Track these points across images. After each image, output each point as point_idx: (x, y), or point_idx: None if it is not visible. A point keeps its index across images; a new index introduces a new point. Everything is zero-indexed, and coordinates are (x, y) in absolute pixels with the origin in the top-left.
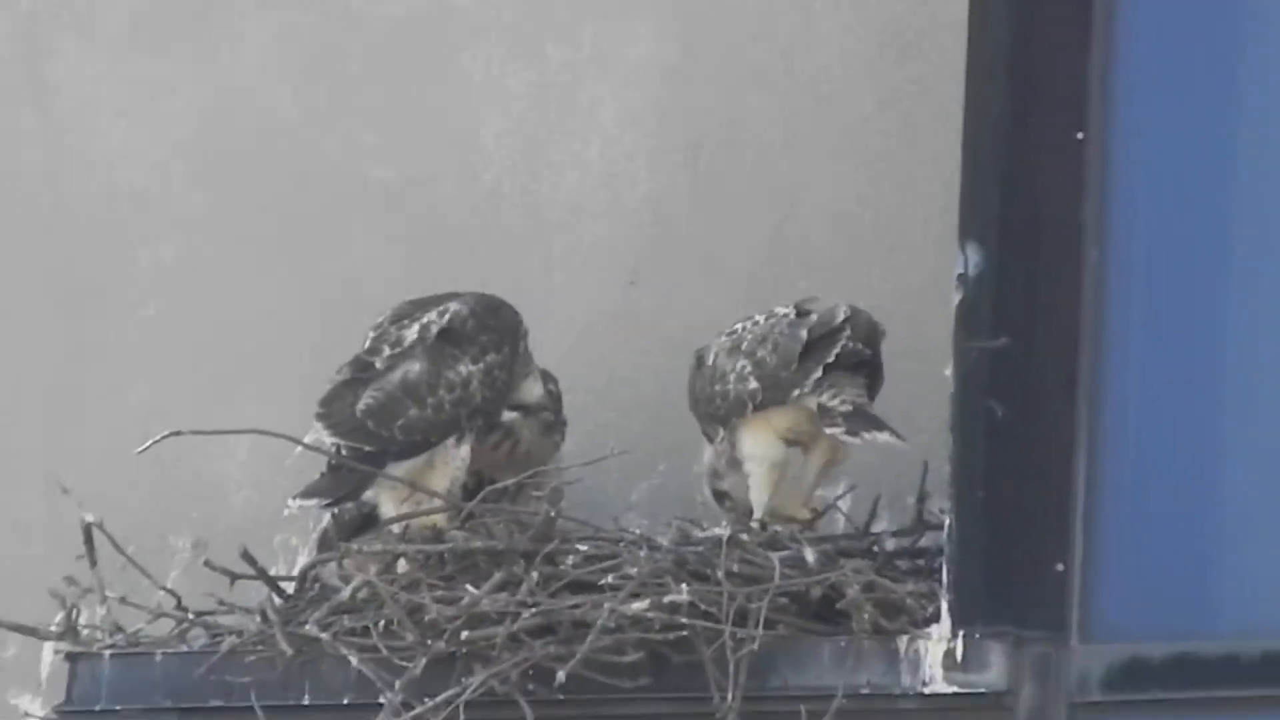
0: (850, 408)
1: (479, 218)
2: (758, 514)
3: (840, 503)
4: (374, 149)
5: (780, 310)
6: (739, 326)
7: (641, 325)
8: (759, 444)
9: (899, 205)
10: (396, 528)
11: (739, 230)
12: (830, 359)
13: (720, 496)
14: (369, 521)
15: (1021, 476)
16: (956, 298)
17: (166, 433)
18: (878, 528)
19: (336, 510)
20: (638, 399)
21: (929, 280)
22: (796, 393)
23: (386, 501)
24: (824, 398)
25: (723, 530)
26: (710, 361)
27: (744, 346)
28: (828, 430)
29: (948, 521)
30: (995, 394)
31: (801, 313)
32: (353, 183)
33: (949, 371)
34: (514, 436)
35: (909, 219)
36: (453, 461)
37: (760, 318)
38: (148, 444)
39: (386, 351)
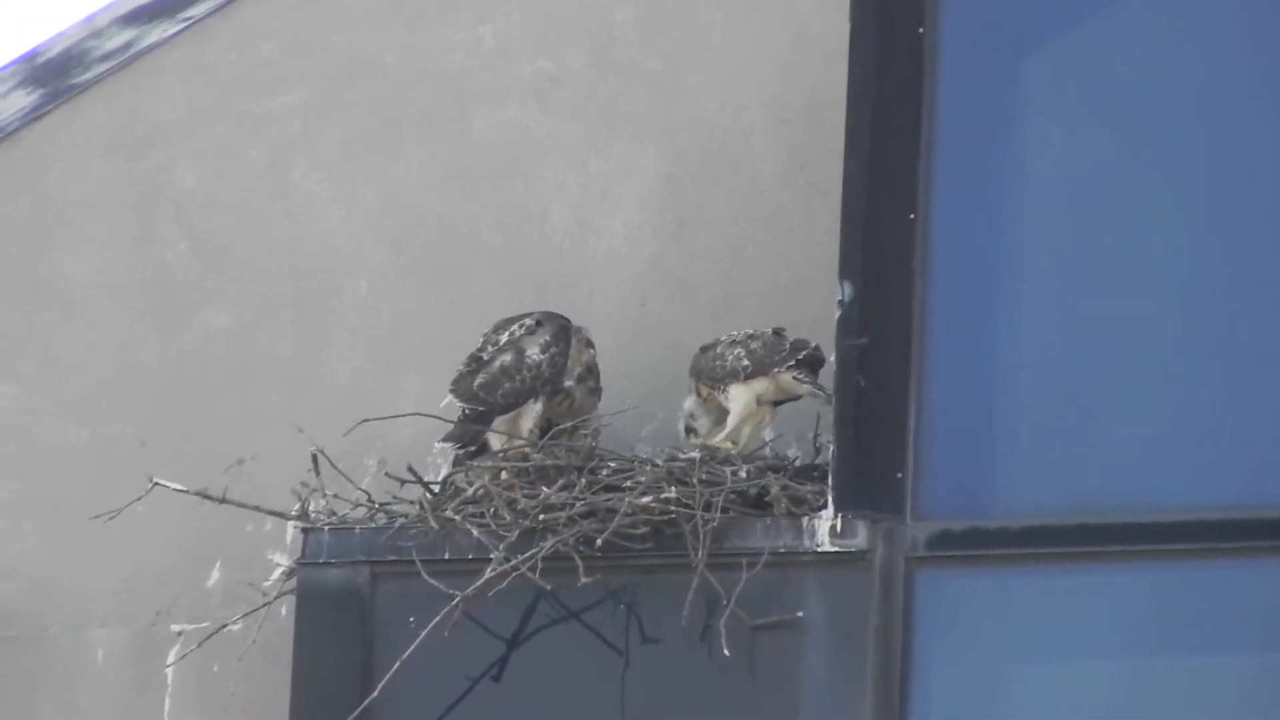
0: (810, 381)
1: (549, 266)
2: (727, 439)
3: (768, 438)
4: (488, 224)
5: (764, 329)
6: (736, 333)
7: (649, 331)
8: (742, 398)
9: (811, 256)
10: (500, 454)
11: (711, 266)
12: (801, 356)
13: (689, 431)
14: (483, 449)
15: (874, 421)
16: (837, 314)
17: (360, 420)
18: (791, 454)
19: (463, 450)
20: (647, 377)
21: (823, 304)
22: (776, 371)
23: (494, 440)
24: (799, 375)
25: (696, 453)
26: (716, 349)
27: (740, 341)
28: (801, 389)
29: (832, 449)
30: (860, 371)
31: (777, 331)
32: (474, 247)
33: (833, 358)
34: (570, 397)
35: (817, 266)
36: (532, 414)
37: (750, 329)
38: (351, 427)
39: (490, 350)
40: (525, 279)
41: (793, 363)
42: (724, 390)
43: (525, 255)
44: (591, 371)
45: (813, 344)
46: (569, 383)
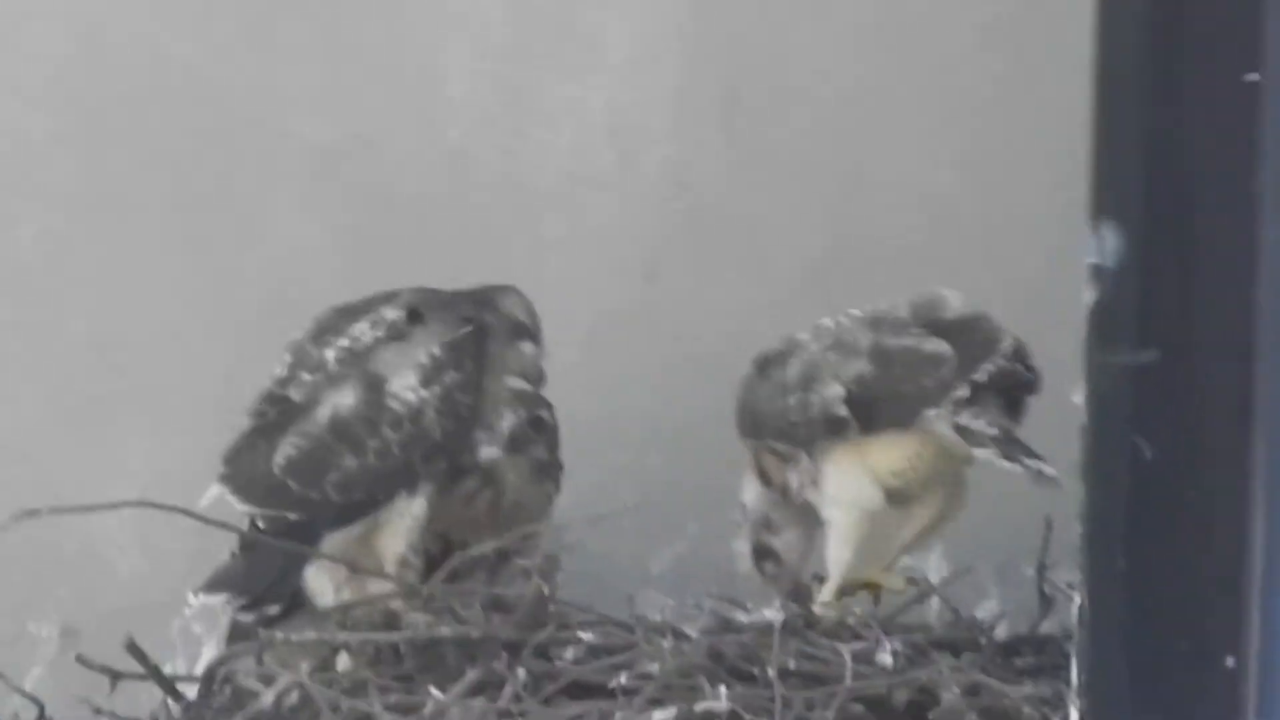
0: (998, 431)
1: (441, 189)
2: (833, 581)
3: (933, 573)
4: (299, 96)
5: (890, 309)
6: (831, 323)
7: (662, 333)
8: (851, 483)
9: (1006, 175)
10: (336, 615)
11: (789, 207)
12: (981, 376)
13: (763, 555)
14: (297, 605)
15: (1178, 539)
16: (1089, 297)
17: (20, 512)
18: (984, 609)
19: (256, 611)
20: (659, 432)
21: (1047, 275)
22: (931, 413)
23: (322, 583)
24: (963, 418)
25: (775, 612)
26: (785, 365)
27: (839, 342)
28: (976, 451)
29: (1078, 600)
30: (1142, 427)
31: (922, 312)
32: (271, 142)
33: (1078, 397)
34: (494, 484)
35: (1020, 193)
36: (406, 523)
37: (861, 313)
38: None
39: (306, 379)
40: (386, 218)
41: (965, 393)
42: (810, 461)
43: (386, 165)
44: (541, 427)
45: (1008, 344)
46: (488, 450)
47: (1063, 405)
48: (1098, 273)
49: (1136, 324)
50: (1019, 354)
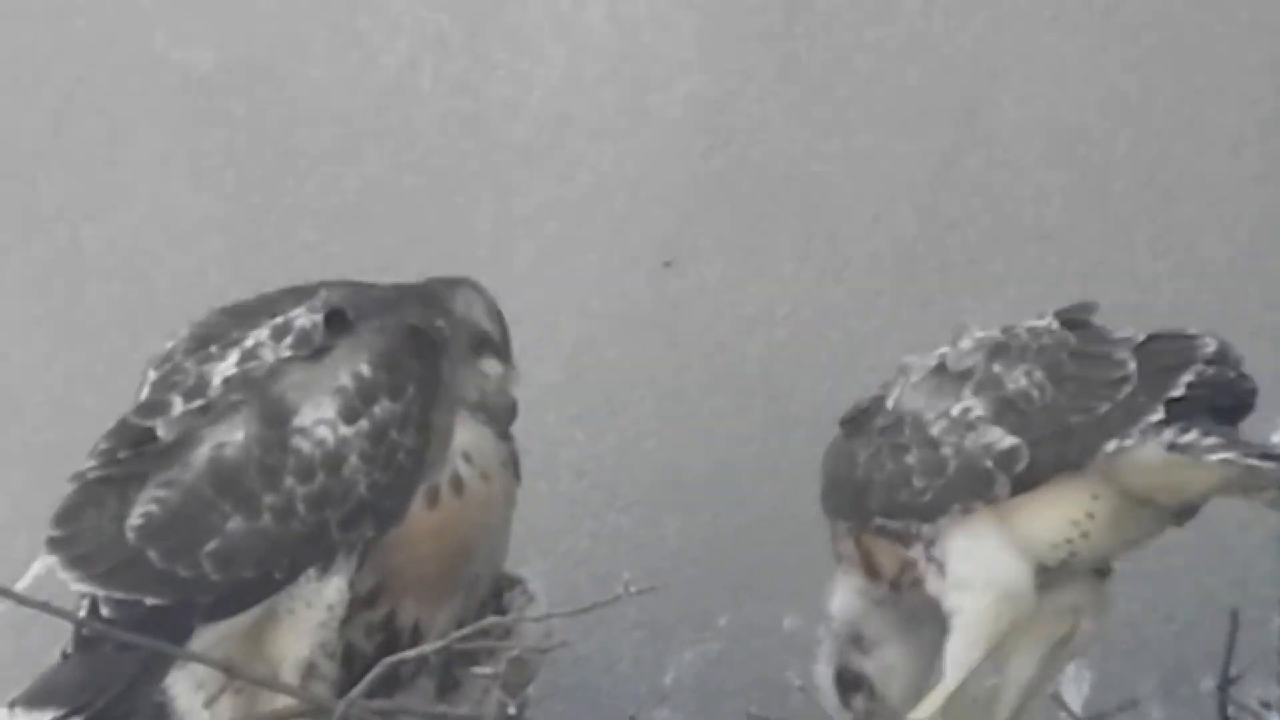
0: (1222, 437)
1: (371, 139)
2: (944, 688)
3: (1070, 690)
4: (170, 9)
5: (1033, 322)
6: (949, 348)
7: (684, 345)
8: (988, 557)
9: (1174, 128)
10: None
11: (864, 168)
12: (1178, 390)
13: (852, 685)
14: None
15: None
16: None
17: None
18: None
19: None
20: (677, 485)
21: (1240, 260)
22: (1112, 446)
23: (191, 699)
24: (1169, 435)
25: None
26: (891, 413)
27: (976, 375)
28: (1207, 460)
29: None
30: None
31: (1077, 322)
32: (131, 71)
33: (1279, 435)
34: (457, 491)
35: (1188, 145)
36: (316, 614)
37: (985, 333)
38: None
39: (178, 407)
40: (301, 179)
41: (1159, 416)
42: (928, 539)
43: (299, 107)
44: (510, 462)
45: (1209, 347)
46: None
47: (1259, 438)
48: None
49: None
50: (1226, 358)
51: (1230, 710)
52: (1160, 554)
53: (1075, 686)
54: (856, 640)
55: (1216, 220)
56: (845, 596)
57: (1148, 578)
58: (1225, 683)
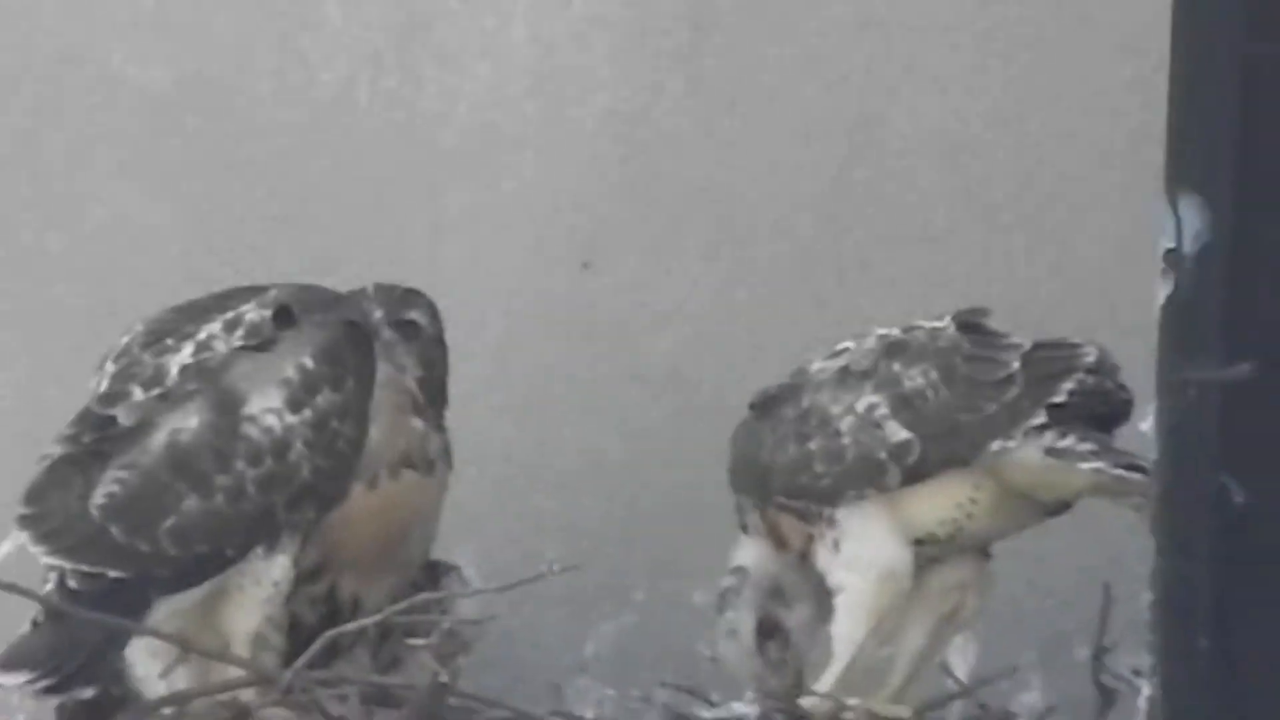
0: (1095, 444)
1: (312, 149)
2: (836, 667)
3: (956, 658)
4: (126, 28)
5: (928, 323)
6: (852, 343)
7: (602, 340)
8: (875, 540)
9: (1052, 134)
10: (166, 709)
11: (771, 173)
12: (1059, 396)
13: (769, 632)
14: (119, 700)
15: (1278, 609)
16: (1162, 292)
17: None
18: (1023, 704)
19: (63, 695)
20: (596, 469)
21: (1107, 264)
22: (996, 446)
23: (150, 666)
24: (1047, 440)
25: (748, 706)
26: (799, 403)
27: (874, 374)
28: (1080, 468)
29: (1146, 692)
30: (1230, 463)
31: (971, 325)
32: (90, 87)
33: (1146, 424)
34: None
35: (1073, 155)
36: (263, 589)
37: (886, 331)
38: None
39: (137, 396)
40: (242, 183)
41: (1040, 420)
42: (829, 519)
43: (242, 115)
44: (443, 451)
45: (1090, 353)
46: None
47: (1127, 434)
48: (1174, 261)
49: (1222, 328)
50: (1104, 367)
51: (1104, 678)
52: (1039, 535)
53: (961, 656)
54: (776, 593)
55: (1088, 225)
56: (759, 554)
57: (1028, 556)
58: (1099, 652)
